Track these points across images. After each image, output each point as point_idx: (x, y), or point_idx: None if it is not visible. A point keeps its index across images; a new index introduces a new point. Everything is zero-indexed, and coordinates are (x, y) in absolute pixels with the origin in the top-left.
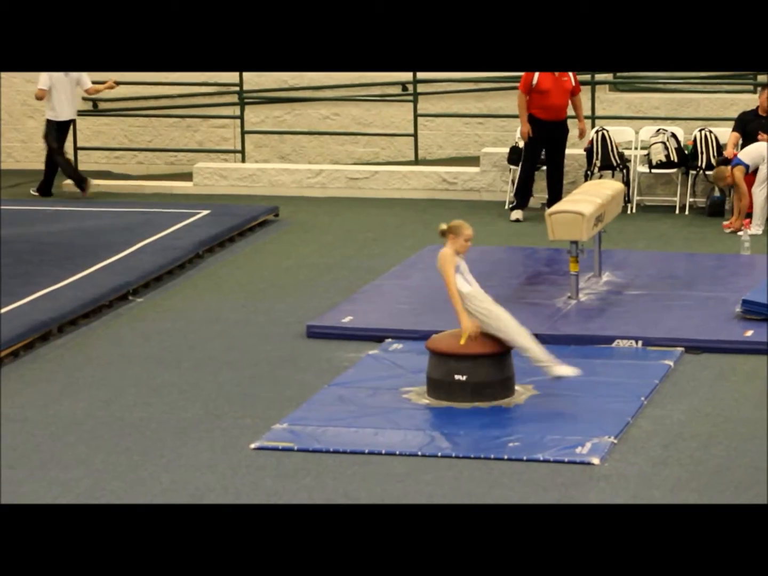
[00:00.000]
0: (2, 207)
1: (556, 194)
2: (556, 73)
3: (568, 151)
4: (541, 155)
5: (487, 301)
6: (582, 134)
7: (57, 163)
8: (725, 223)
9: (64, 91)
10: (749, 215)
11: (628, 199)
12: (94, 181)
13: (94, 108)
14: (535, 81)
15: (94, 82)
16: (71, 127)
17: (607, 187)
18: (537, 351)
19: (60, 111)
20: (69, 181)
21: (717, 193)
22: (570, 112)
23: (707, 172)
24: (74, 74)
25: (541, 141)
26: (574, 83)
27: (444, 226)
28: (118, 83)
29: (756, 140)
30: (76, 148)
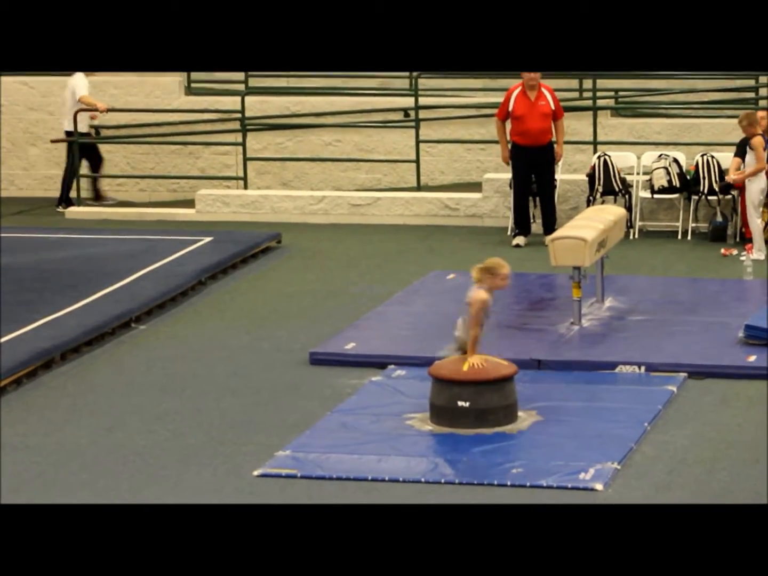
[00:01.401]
0: (5, 234)
1: (549, 220)
2: (532, 98)
3: (569, 176)
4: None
5: None
6: (558, 158)
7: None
8: (724, 249)
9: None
10: (751, 240)
11: (630, 225)
12: (97, 209)
13: (96, 135)
14: (510, 107)
15: None
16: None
17: (609, 212)
18: None
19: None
20: (76, 208)
21: (719, 218)
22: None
23: (708, 198)
24: (71, 83)
25: (525, 167)
26: (554, 107)
27: (478, 269)
28: (119, 110)
29: None
30: (78, 177)
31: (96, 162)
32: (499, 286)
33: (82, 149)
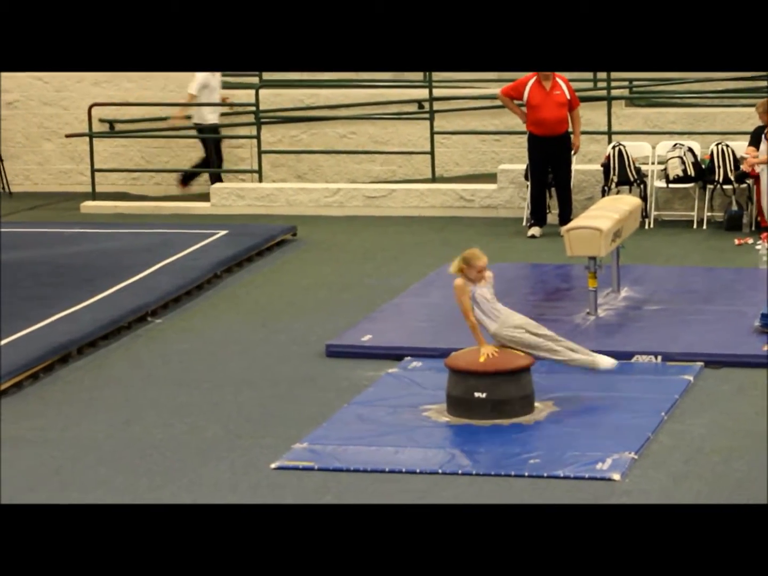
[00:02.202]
0: (22, 229)
1: (565, 210)
2: (547, 87)
3: (584, 166)
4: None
5: (514, 329)
6: (575, 149)
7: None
8: (739, 238)
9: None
10: (766, 229)
11: (645, 215)
12: (112, 203)
13: (111, 130)
14: (525, 97)
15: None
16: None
17: (625, 202)
18: (577, 357)
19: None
20: (91, 202)
21: (734, 207)
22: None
23: (724, 187)
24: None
25: (542, 157)
26: (569, 97)
27: (456, 261)
28: (133, 104)
29: None
30: (93, 170)
31: (208, 155)
32: (477, 277)
33: (205, 139)
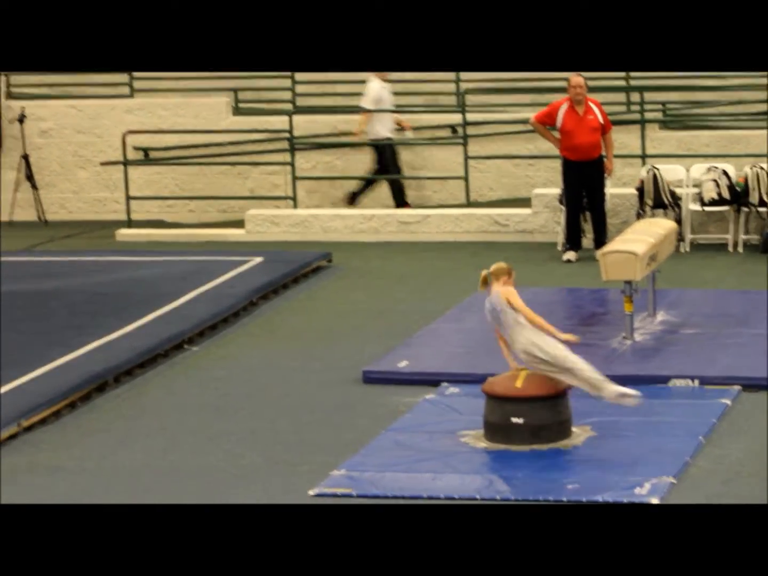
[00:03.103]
0: (57, 258)
1: (600, 235)
2: (580, 112)
3: (619, 190)
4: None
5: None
6: (609, 173)
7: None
8: None
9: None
10: None
11: (680, 238)
12: (147, 231)
13: (145, 157)
14: (558, 122)
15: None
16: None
17: (660, 226)
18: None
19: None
20: (127, 230)
21: None
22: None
23: (759, 209)
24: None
25: (576, 182)
26: (602, 121)
27: (496, 271)
28: (168, 132)
29: None
30: (128, 198)
31: (381, 170)
32: (511, 285)
33: (381, 154)
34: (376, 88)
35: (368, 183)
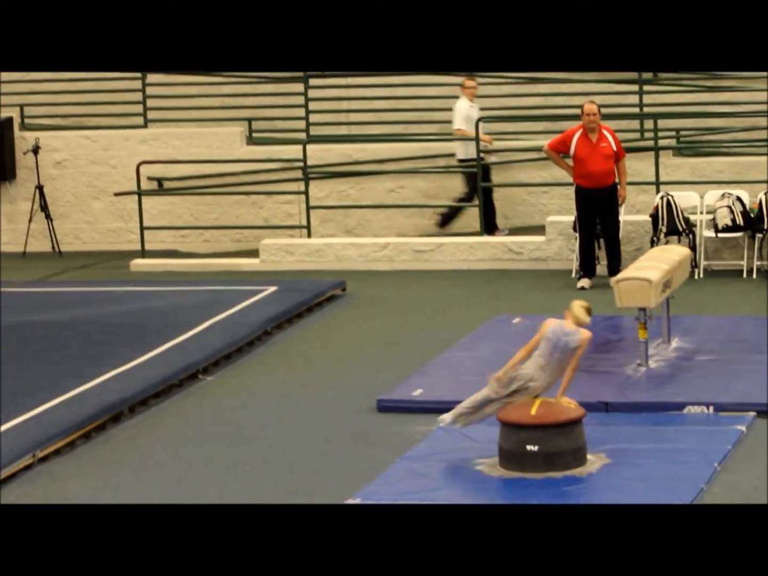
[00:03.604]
0: (71, 288)
1: (614, 261)
2: (593, 140)
3: (633, 217)
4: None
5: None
6: (622, 200)
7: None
8: None
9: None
10: None
11: (694, 264)
12: (162, 261)
13: (159, 187)
14: (572, 150)
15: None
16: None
17: (674, 252)
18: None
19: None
20: (141, 260)
21: None
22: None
23: None
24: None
25: (590, 209)
26: (615, 148)
27: (583, 310)
28: (182, 162)
29: None
30: (142, 228)
31: (470, 193)
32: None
33: (471, 176)
34: (465, 107)
35: (459, 207)
